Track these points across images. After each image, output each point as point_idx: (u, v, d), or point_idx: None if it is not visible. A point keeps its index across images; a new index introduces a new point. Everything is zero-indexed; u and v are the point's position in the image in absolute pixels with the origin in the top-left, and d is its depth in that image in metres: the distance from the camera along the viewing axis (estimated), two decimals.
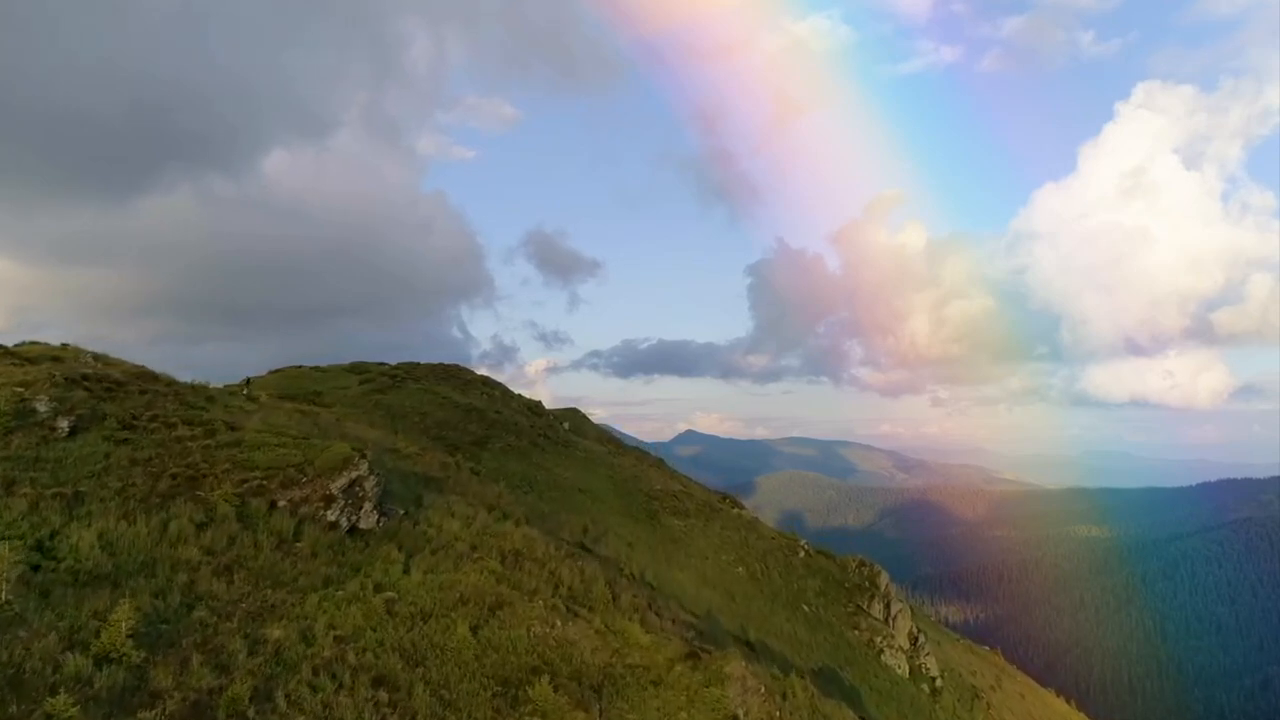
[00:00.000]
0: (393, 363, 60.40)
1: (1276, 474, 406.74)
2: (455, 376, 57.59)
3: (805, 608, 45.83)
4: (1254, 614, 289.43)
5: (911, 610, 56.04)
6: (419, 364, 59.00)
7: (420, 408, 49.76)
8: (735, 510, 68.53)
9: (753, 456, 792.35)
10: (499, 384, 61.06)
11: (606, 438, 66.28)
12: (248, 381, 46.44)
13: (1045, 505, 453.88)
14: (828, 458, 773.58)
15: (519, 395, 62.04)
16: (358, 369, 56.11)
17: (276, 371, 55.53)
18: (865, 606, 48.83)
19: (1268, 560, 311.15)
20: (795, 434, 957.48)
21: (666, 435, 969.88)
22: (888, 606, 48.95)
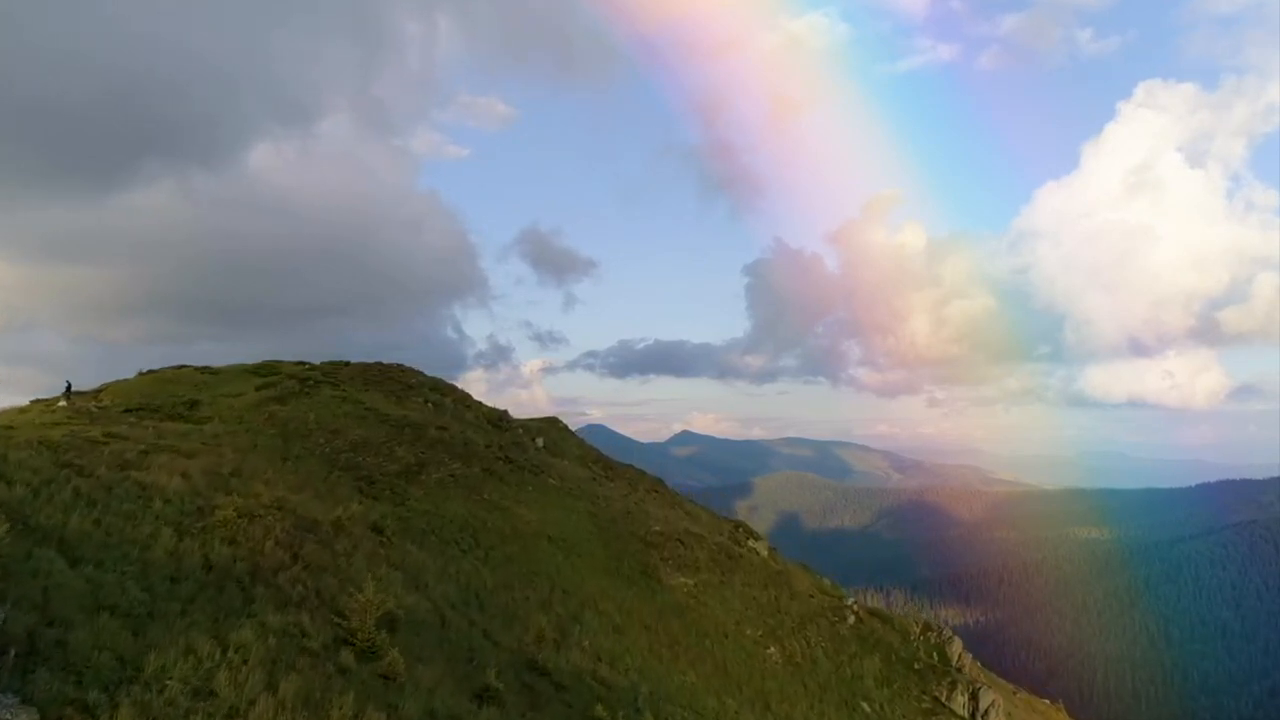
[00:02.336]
0: (365, 361, 46.17)
1: (1275, 475, 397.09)
2: (393, 379, 43.02)
3: (865, 706, 31.46)
4: (1259, 618, 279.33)
5: (985, 674, 42.02)
6: (348, 363, 44.28)
7: (331, 423, 35.17)
8: (758, 552, 53.76)
9: (749, 457, 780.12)
10: (453, 388, 46.44)
11: (592, 455, 51.56)
12: (68, 388, 32.08)
13: (1044, 506, 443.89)
14: (824, 458, 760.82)
15: (478, 404, 47.20)
16: (264, 369, 41.52)
17: (149, 373, 40.95)
18: (944, 699, 34.41)
19: (1272, 563, 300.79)
20: (791, 434, 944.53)
21: (663, 435, 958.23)
22: (974, 697, 34.50)
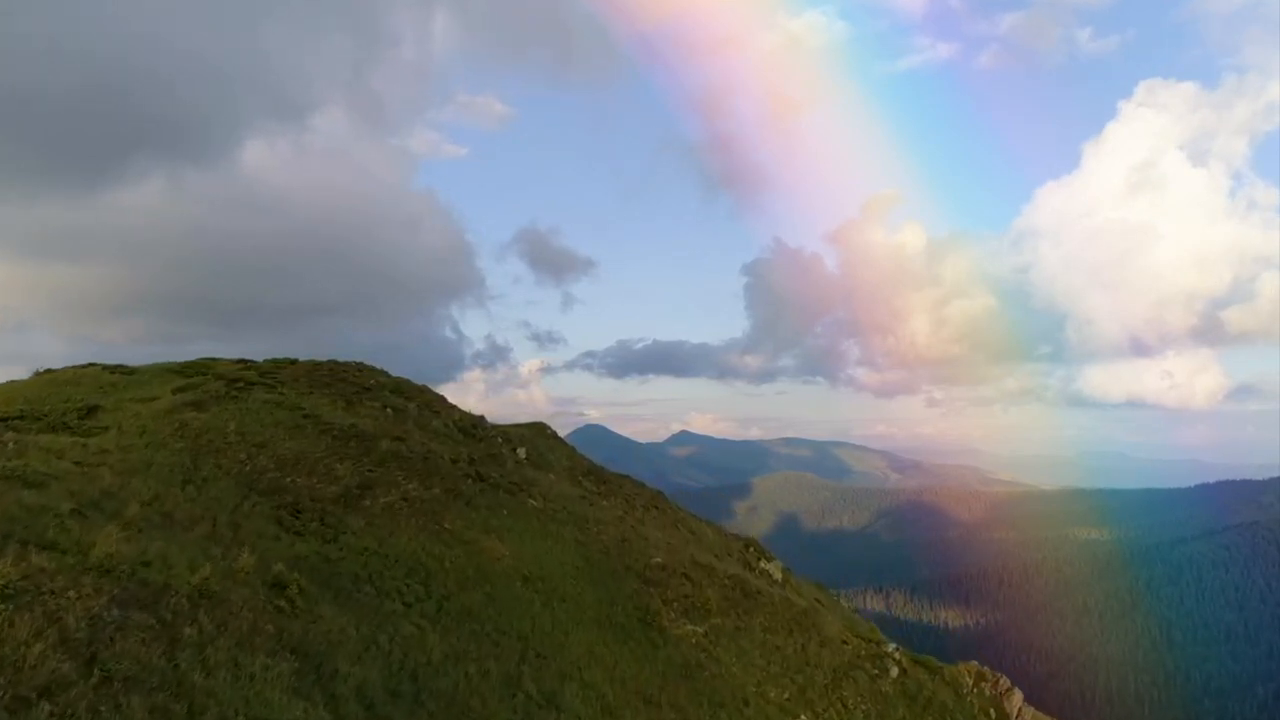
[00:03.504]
0: (340, 360, 39.02)
1: (1274, 475, 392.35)
2: (346, 380, 35.65)
3: None
4: (1263, 620, 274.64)
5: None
6: (294, 361, 36.87)
7: (258, 434, 28.04)
8: (771, 575, 46.58)
9: (747, 457, 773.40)
10: (421, 390, 39.00)
11: (584, 466, 44.20)
12: None
13: (1043, 507, 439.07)
14: (822, 458, 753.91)
15: (450, 408, 39.66)
16: (191, 369, 34.29)
17: (45, 372, 33.68)
18: None
19: (1275, 565, 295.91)
20: (790, 434, 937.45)
21: (661, 436, 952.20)
22: None
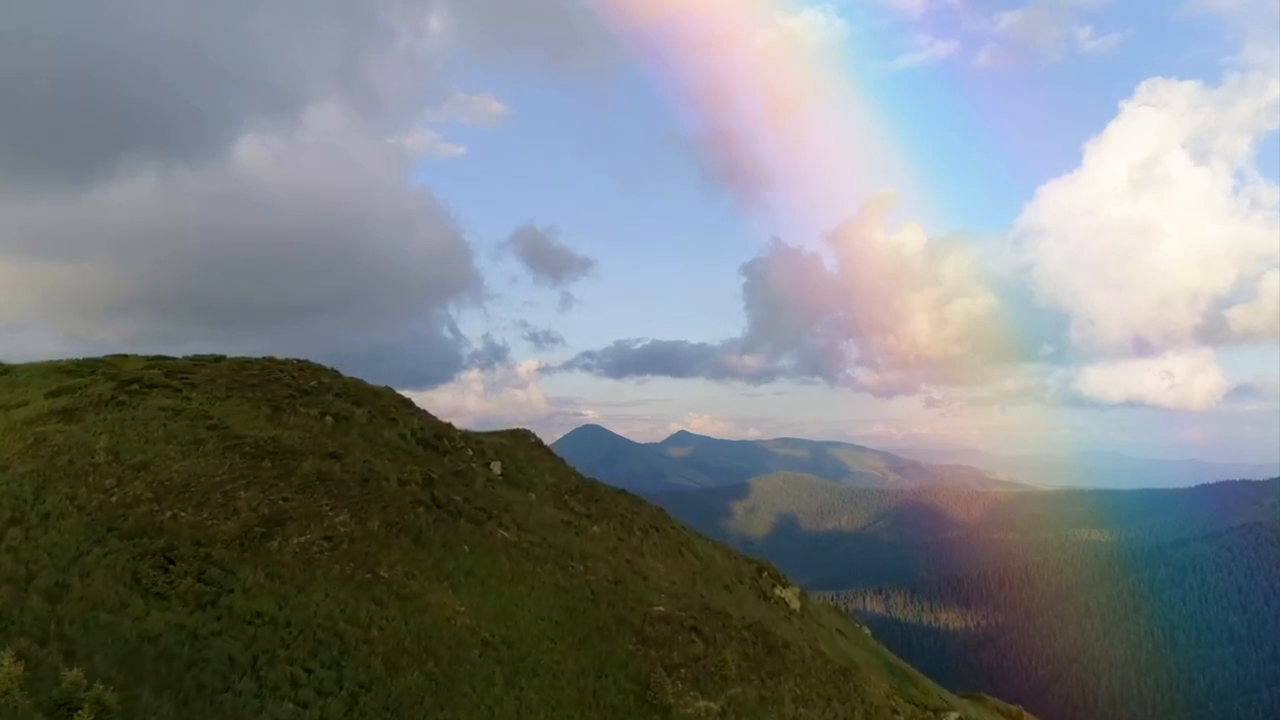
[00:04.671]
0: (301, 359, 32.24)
1: (1274, 475, 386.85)
2: (279, 382, 28.50)
3: None
4: (1267, 623, 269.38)
5: None
6: (220, 359, 29.70)
7: (137, 453, 21.14)
8: (788, 604, 39.55)
9: (745, 458, 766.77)
10: (377, 394, 31.76)
11: (571, 482, 36.93)
12: None
13: (1042, 507, 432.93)
14: (820, 459, 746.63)
15: (412, 414, 32.27)
16: (84, 367, 27.34)
17: None
18: None
19: (1279, 567, 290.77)
20: (787, 434, 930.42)
21: (659, 436, 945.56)
22: None
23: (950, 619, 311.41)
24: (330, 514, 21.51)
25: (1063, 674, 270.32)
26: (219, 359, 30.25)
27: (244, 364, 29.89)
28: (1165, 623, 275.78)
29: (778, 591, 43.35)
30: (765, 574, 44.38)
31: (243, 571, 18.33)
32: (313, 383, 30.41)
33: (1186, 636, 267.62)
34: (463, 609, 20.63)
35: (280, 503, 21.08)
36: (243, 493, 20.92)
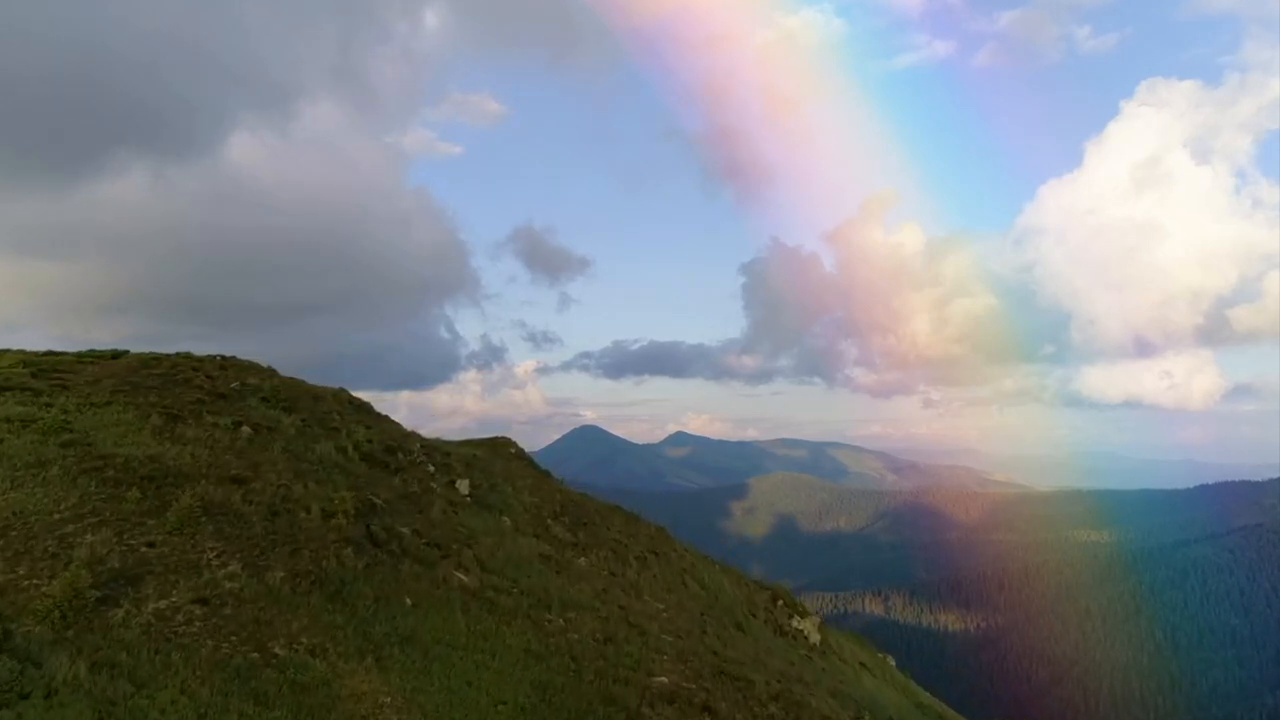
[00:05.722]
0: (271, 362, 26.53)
1: (1273, 476, 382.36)
2: (187, 383, 22.06)
3: None
4: (1270, 625, 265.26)
5: None
6: (122, 355, 23.20)
7: None
8: (805, 636, 33.47)
9: (743, 458, 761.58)
10: (320, 396, 25.53)
11: (555, 501, 30.53)
12: None
13: (1041, 508, 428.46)
14: (818, 459, 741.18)
15: (363, 423, 25.87)
16: None
17: None
18: None
19: None
20: (785, 435, 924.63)
21: (657, 437, 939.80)
22: None
23: (950, 621, 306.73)
24: (214, 563, 15.46)
25: (1064, 677, 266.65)
26: (118, 355, 24.19)
27: (147, 361, 23.82)
28: (1167, 625, 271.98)
29: (795, 623, 37.31)
30: (780, 602, 38.32)
31: (54, 661, 12.21)
32: (234, 384, 24.28)
33: (1188, 639, 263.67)
34: (390, 699, 14.56)
35: (142, 550, 15.04)
36: (89, 536, 14.90)
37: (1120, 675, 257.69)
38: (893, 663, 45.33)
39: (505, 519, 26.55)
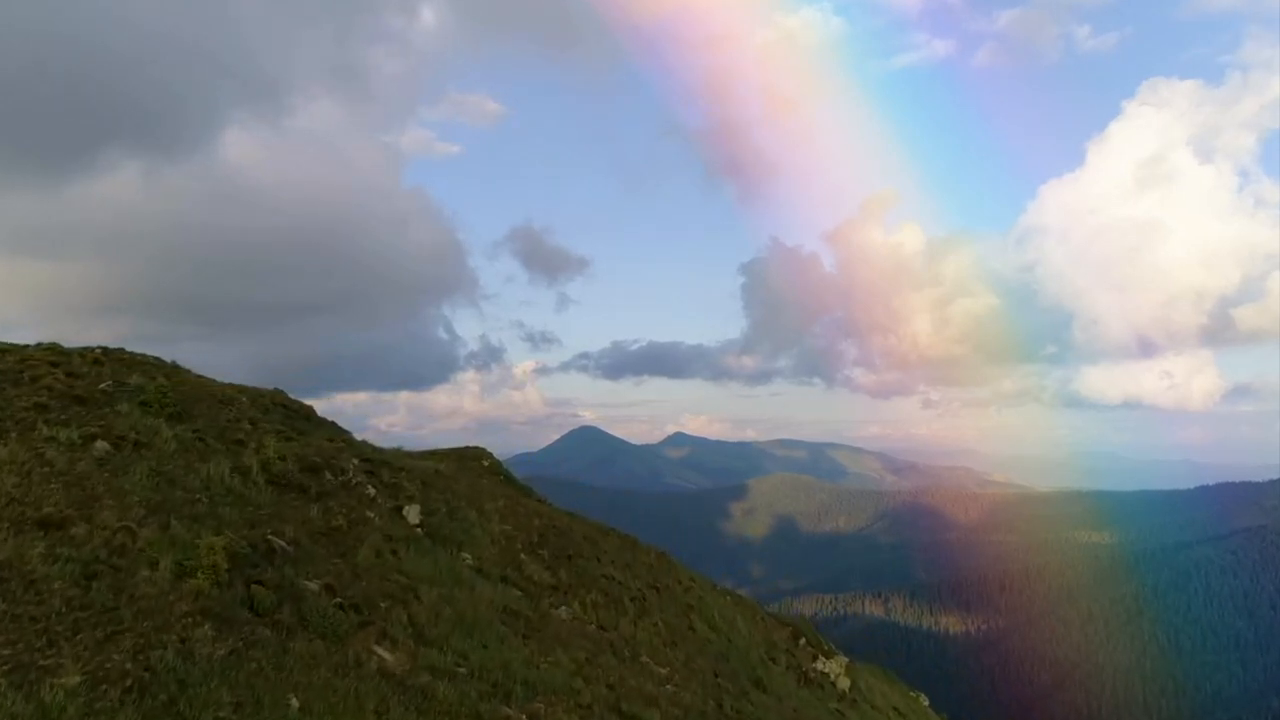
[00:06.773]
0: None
1: (1274, 477, 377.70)
2: (30, 381, 16.75)
3: None
4: (1274, 628, 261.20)
5: None
6: None
7: None
8: (832, 682, 27.35)
9: (742, 459, 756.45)
10: (228, 397, 19.67)
11: (534, 528, 24.48)
12: None
13: (1041, 509, 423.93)
14: (817, 460, 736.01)
15: (283, 434, 19.85)
16: None
17: None
18: None
19: None
20: (784, 435, 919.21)
21: (656, 437, 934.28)
22: None
23: (950, 623, 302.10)
24: None
25: (1066, 680, 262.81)
26: None
27: None
28: (1169, 628, 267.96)
29: (820, 665, 31.20)
30: (802, 641, 32.22)
31: None
32: (104, 385, 18.18)
33: (1191, 642, 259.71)
34: None
35: None
36: None
37: (1123, 679, 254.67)
38: (926, 702, 39.41)
39: (465, 556, 20.43)
